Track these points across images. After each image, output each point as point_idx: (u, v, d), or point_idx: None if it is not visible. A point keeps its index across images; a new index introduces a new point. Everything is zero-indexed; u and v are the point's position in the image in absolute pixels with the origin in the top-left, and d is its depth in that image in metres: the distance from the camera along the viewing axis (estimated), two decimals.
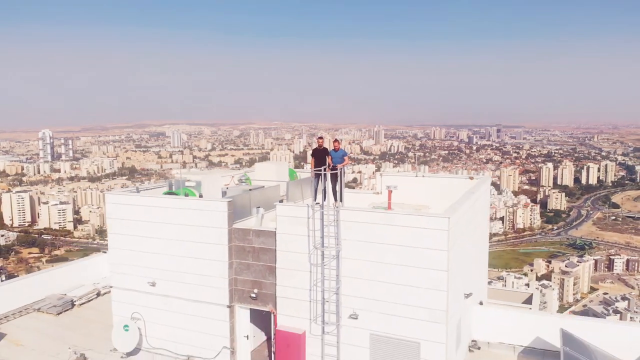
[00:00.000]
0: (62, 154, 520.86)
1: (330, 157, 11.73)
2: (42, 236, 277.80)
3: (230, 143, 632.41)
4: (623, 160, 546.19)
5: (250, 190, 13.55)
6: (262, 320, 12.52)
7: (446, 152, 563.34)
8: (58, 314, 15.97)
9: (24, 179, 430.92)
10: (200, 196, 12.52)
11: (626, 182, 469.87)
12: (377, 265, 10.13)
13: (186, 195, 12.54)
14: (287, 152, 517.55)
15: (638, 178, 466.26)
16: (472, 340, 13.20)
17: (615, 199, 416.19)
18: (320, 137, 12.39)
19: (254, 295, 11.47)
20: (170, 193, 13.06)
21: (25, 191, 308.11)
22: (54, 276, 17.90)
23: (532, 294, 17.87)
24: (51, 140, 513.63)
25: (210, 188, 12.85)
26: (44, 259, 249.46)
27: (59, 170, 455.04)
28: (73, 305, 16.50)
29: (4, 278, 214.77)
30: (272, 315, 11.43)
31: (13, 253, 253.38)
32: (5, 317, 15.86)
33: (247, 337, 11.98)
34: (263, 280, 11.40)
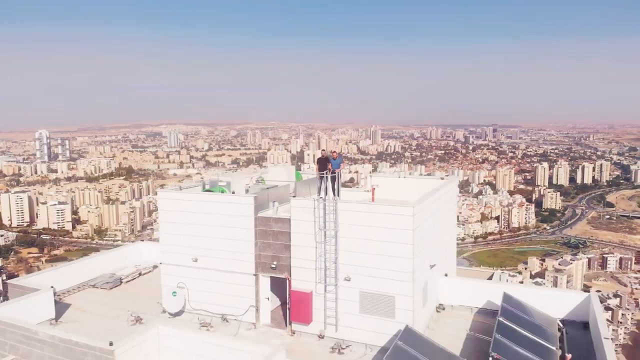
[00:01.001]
0: (59, 154, 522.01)
1: (330, 164, 15.73)
2: (41, 236, 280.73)
3: (227, 143, 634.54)
4: (618, 159, 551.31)
5: (267, 188, 17.54)
6: (277, 288, 16.50)
7: (442, 151, 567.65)
8: (110, 288, 19.91)
9: (22, 179, 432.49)
10: (233, 193, 16.47)
11: (621, 181, 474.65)
12: (364, 242, 14.14)
13: (222, 192, 16.50)
14: (285, 152, 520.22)
15: (633, 177, 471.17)
16: (440, 304, 17.24)
17: (610, 198, 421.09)
18: (323, 150, 16.38)
19: (273, 266, 15.46)
20: (207, 191, 17.03)
21: (23, 191, 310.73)
22: (102, 259, 21.83)
23: (493, 273, 21.93)
24: (48, 141, 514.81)
25: (238, 187, 16.86)
26: (43, 259, 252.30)
27: (56, 171, 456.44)
28: (121, 282, 20.44)
29: (4, 278, 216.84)
30: (287, 281, 15.41)
31: (13, 253, 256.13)
32: (67, 292, 19.78)
33: (268, 298, 15.98)
34: (280, 255, 15.39)
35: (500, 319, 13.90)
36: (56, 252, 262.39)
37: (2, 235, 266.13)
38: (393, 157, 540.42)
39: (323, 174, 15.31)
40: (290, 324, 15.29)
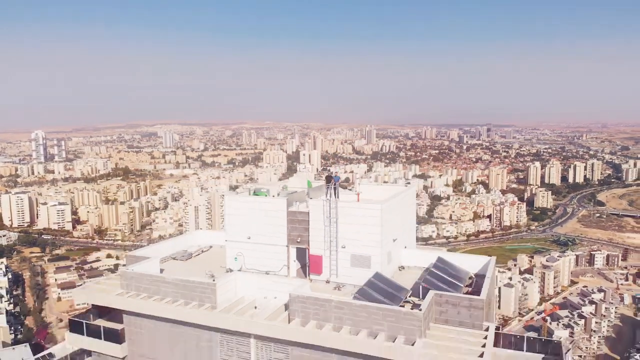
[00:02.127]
0: (55, 155, 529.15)
1: (333, 179, 26.04)
2: (42, 236, 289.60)
3: (222, 143, 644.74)
4: (610, 158, 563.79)
5: (291, 193, 27.88)
6: (300, 256, 26.78)
7: (437, 151, 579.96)
8: (185, 260, 30.16)
9: (19, 179, 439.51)
10: (274, 196, 26.79)
11: (612, 180, 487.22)
12: (353, 225, 24.47)
13: (265, 196, 26.84)
14: (280, 152, 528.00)
15: (624, 176, 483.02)
16: (400, 265, 27.62)
17: (601, 197, 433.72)
18: (329, 171, 26.89)
19: (298, 240, 25.81)
20: (256, 194, 27.35)
21: (24, 192, 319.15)
22: (174, 242, 32.03)
23: (447, 249, 32.28)
24: (44, 141, 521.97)
25: (273, 192, 27.20)
26: (45, 258, 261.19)
27: (52, 171, 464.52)
28: (191, 256, 30.71)
29: (10, 276, 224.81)
30: (307, 250, 25.73)
31: (15, 252, 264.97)
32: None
33: (295, 261, 26.32)
34: (302, 234, 25.71)
35: (432, 268, 24.34)
36: (58, 251, 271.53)
37: (4, 236, 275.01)
38: (388, 156, 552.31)
39: (329, 185, 25.61)
40: (309, 274, 25.65)
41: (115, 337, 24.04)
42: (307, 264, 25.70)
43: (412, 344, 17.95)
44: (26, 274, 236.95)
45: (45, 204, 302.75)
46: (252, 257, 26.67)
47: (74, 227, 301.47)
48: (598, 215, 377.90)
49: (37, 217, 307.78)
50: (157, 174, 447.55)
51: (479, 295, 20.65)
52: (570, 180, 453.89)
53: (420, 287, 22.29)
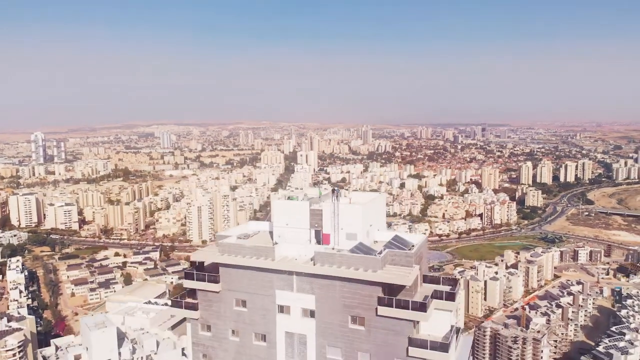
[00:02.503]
0: (55, 156, 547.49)
1: (335, 190, 46.42)
2: (51, 236, 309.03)
3: (219, 143, 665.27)
4: (602, 158, 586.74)
5: (310, 198, 48.24)
6: (316, 235, 47.05)
7: (432, 151, 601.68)
8: (245, 239, 50.33)
9: (21, 181, 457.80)
10: (300, 199, 47.11)
11: (603, 179, 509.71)
12: (347, 217, 44.91)
13: (296, 199, 47.18)
14: (278, 152, 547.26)
15: (614, 175, 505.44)
16: (375, 240, 48.04)
17: (591, 195, 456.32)
18: (334, 185, 47.55)
19: (316, 225, 46.19)
20: (289, 198, 47.67)
21: (31, 194, 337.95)
22: (237, 229, 52.21)
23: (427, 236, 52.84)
24: (43, 143, 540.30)
25: (301, 197, 47.59)
26: (56, 257, 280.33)
27: (53, 172, 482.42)
28: (248, 237, 50.86)
29: (26, 273, 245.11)
30: (321, 231, 46.09)
31: (27, 251, 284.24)
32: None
33: (314, 237, 46.71)
34: (318, 222, 46.09)
35: (391, 240, 44.78)
36: (67, 250, 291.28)
37: (14, 235, 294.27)
38: (384, 156, 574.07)
39: (333, 194, 45.82)
40: (322, 244, 45.95)
41: (215, 279, 44.36)
42: (321, 238, 46.10)
43: (375, 272, 38.34)
44: (40, 271, 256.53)
45: (52, 204, 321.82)
46: (290, 235, 46.94)
47: (80, 227, 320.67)
48: (586, 213, 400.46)
49: (45, 218, 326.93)
50: (156, 175, 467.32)
51: (412, 252, 41.11)
52: (562, 179, 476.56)
53: (384, 249, 42.71)
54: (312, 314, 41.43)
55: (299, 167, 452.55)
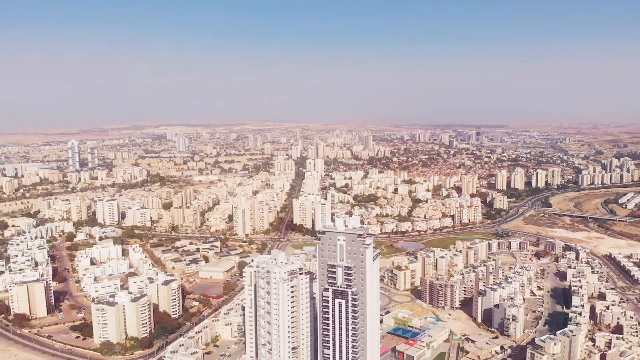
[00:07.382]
0: (89, 162, 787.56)
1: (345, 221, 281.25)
2: (135, 231, 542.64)
3: (230, 147, 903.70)
4: (579, 164, 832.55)
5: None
6: None
7: (427, 157, 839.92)
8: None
9: (70, 186, 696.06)
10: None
11: (570, 185, 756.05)
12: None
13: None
14: (289, 160, 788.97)
15: (580, 182, 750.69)
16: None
17: (554, 200, 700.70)
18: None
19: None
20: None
21: (113, 199, 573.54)
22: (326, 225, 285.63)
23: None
24: (79, 149, 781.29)
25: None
26: (147, 245, 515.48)
27: (96, 178, 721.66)
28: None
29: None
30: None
31: (124, 243, 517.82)
32: None
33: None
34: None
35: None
36: (152, 241, 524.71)
37: (113, 231, 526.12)
38: (383, 162, 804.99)
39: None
40: None
41: None
42: None
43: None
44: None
45: (131, 208, 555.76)
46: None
47: (152, 225, 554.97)
48: (542, 215, 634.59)
49: (124, 218, 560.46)
50: (188, 181, 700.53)
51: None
52: (534, 185, 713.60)
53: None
54: None
55: (309, 174, 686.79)
